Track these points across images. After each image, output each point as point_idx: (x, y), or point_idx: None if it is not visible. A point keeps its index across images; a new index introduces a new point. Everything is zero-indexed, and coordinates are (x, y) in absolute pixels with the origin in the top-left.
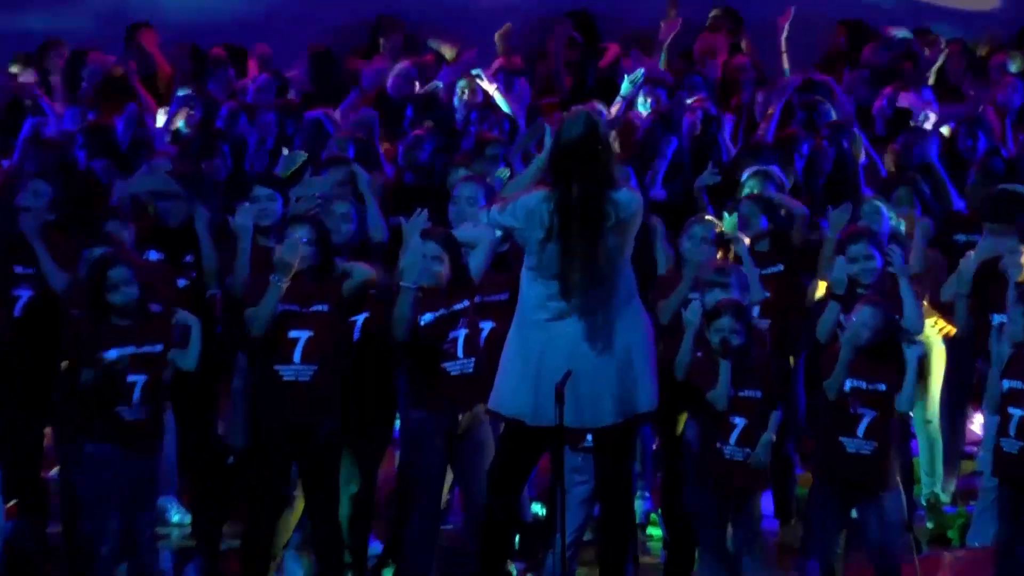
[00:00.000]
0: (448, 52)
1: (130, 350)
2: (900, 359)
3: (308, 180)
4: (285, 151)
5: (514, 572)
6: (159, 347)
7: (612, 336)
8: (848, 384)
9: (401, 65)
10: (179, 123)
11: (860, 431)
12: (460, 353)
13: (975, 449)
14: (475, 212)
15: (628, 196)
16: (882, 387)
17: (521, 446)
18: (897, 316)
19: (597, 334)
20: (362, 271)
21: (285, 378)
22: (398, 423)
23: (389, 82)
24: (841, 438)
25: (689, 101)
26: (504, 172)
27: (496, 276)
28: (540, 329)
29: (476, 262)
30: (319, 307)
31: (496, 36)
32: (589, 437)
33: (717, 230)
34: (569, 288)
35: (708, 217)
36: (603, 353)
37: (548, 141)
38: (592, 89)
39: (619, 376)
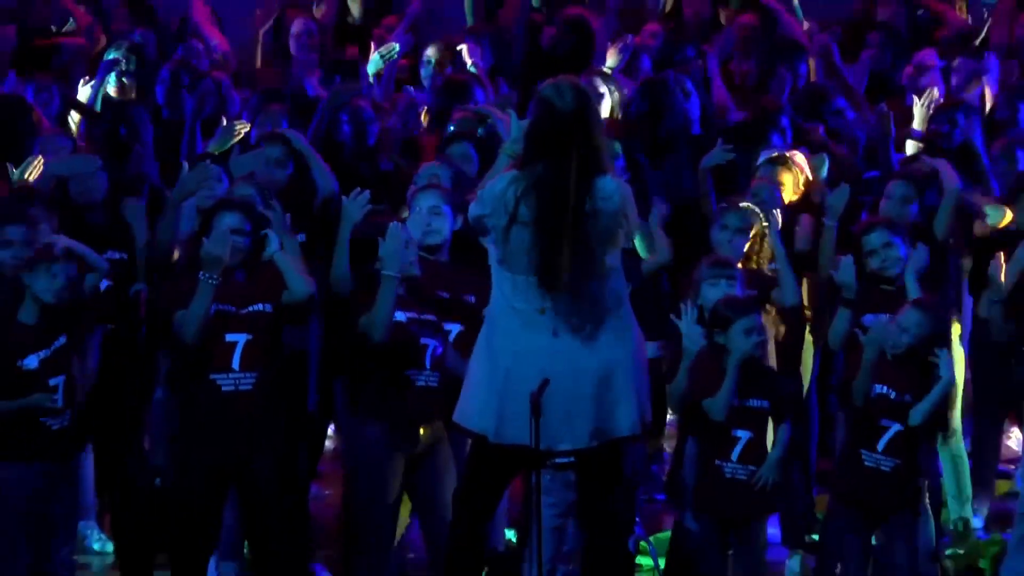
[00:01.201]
0: None
1: (44, 353)
2: (934, 369)
3: (236, 159)
4: (224, 121)
5: None
6: (63, 339)
7: (592, 350)
8: (875, 390)
9: (296, 24)
10: (108, 88)
11: (880, 445)
12: (428, 364)
13: (1013, 467)
14: (441, 224)
15: (611, 185)
16: (909, 399)
17: (489, 465)
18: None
19: (574, 347)
20: (300, 284)
21: (224, 389)
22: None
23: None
24: (861, 450)
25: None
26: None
27: (466, 273)
28: (509, 339)
29: None
30: (258, 307)
31: None
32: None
33: (755, 220)
34: (544, 284)
35: (745, 204)
36: (580, 369)
37: (515, 127)
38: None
39: (597, 396)
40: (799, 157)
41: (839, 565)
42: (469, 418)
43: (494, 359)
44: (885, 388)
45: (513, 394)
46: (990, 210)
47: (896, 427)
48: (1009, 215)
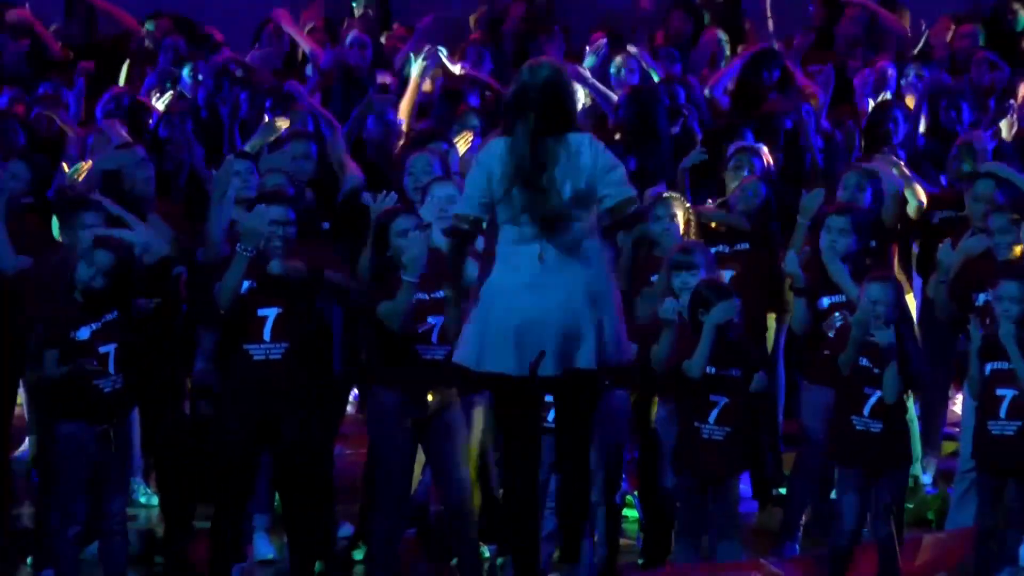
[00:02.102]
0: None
1: (95, 325)
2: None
3: (265, 157)
4: (267, 118)
5: (487, 554)
6: (115, 313)
7: (562, 289)
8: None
9: (353, 33)
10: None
11: (867, 410)
12: (435, 339)
13: (957, 430)
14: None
15: (579, 139)
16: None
17: (509, 413)
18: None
19: (546, 284)
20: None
21: (256, 357)
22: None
23: (346, 52)
24: (851, 417)
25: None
26: None
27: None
28: (495, 280)
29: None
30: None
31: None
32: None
33: (679, 207)
34: (528, 224)
35: (667, 194)
36: (549, 304)
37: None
38: None
39: (562, 328)
40: (764, 148)
41: (836, 521)
42: (458, 354)
43: (480, 299)
44: (864, 360)
45: (492, 326)
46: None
47: (878, 394)
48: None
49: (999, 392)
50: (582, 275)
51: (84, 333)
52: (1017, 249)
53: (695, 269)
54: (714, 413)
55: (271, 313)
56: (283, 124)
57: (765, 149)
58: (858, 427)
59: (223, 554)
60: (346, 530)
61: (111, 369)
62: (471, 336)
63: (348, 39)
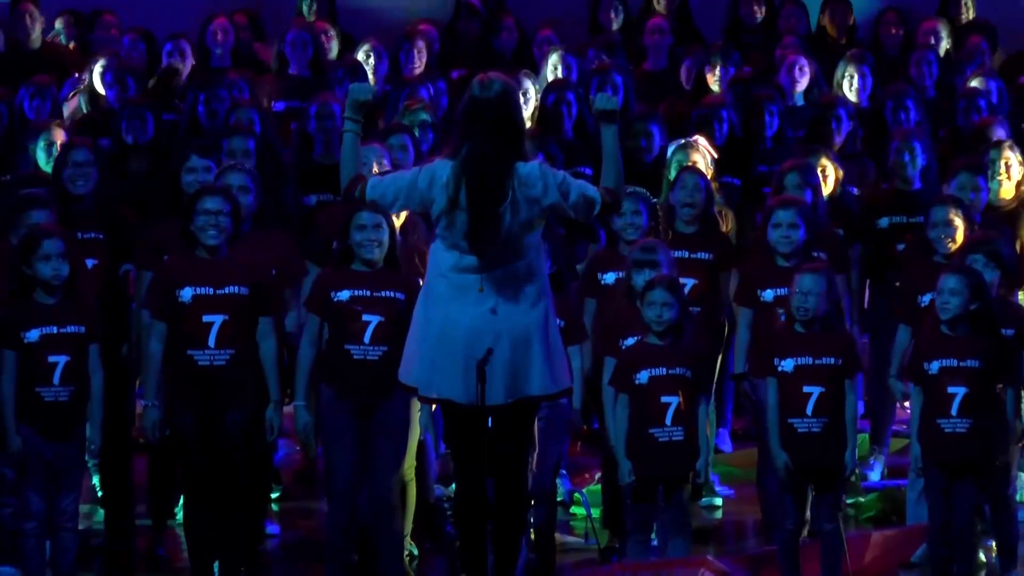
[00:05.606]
0: None
1: (51, 330)
2: (846, 333)
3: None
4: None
5: (415, 552)
6: (82, 328)
7: (511, 316)
8: (791, 363)
9: (294, 32)
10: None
11: (809, 409)
12: (367, 339)
13: (904, 427)
14: None
15: (533, 172)
16: (829, 360)
17: (457, 429)
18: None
19: (495, 312)
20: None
21: (200, 363)
22: None
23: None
24: (790, 420)
25: None
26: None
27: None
28: (442, 304)
29: None
30: (233, 289)
31: None
32: None
33: (648, 202)
34: (472, 250)
35: (634, 189)
36: (499, 332)
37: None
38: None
39: (512, 356)
40: (703, 140)
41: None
42: (407, 374)
43: (428, 322)
44: (803, 359)
45: (443, 353)
46: None
47: (819, 391)
48: None
49: (950, 390)
50: (525, 299)
51: (33, 335)
52: (956, 241)
53: (658, 267)
54: (669, 414)
55: (217, 320)
56: None
57: (703, 140)
58: (800, 430)
59: (202, 547)
60: (273, 528)
61: (55, 380)
62: (419, 360)
63: (288, 38)
